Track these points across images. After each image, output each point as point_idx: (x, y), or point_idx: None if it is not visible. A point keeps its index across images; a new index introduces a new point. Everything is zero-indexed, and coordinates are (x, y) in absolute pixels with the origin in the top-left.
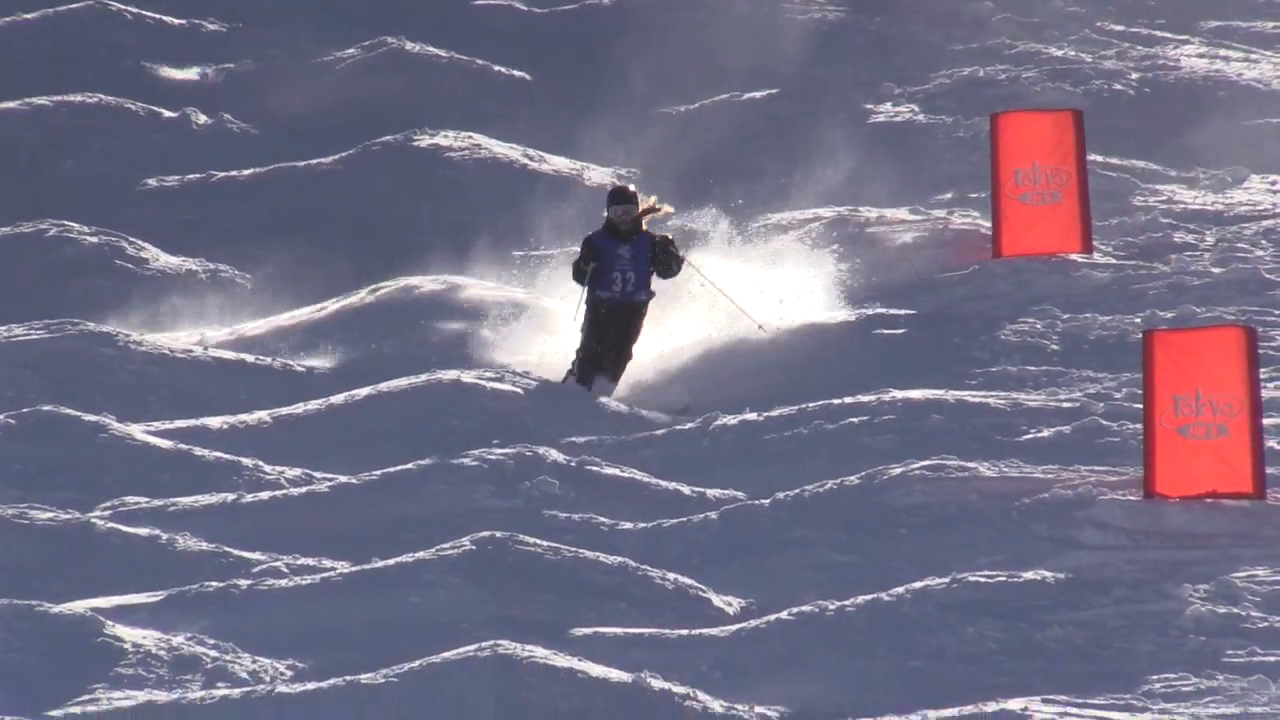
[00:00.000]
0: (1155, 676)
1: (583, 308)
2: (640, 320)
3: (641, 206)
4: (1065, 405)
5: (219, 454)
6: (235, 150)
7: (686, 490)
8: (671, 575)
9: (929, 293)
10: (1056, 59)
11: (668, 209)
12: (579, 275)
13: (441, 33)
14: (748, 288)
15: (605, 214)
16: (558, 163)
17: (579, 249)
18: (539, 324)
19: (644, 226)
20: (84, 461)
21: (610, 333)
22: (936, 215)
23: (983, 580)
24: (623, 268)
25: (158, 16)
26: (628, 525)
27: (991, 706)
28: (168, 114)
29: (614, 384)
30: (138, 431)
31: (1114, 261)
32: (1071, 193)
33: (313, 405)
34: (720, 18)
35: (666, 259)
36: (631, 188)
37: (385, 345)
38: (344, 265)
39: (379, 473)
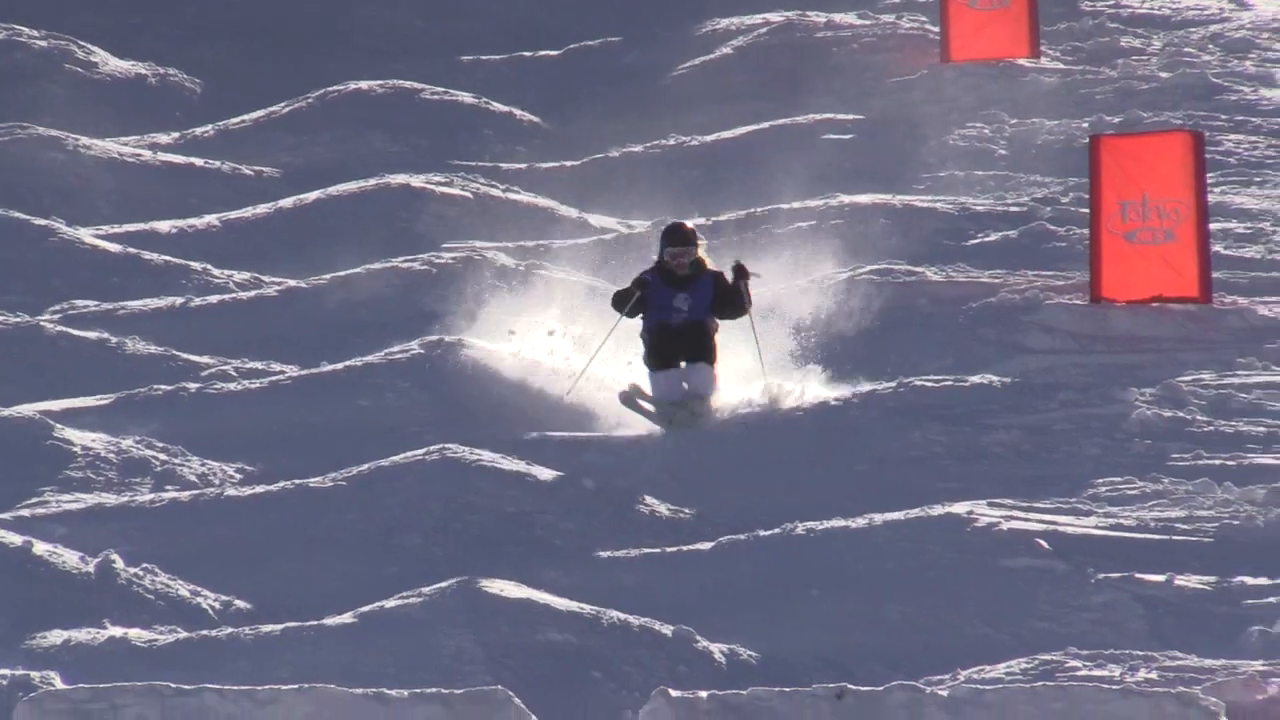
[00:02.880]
0: (1101, 480)
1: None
2: (710, 338)
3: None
4: (1012, 210)
5: (168, 258)
6: None
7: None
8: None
9: (877, 97)
10: None
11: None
12: (620, 302)
13: None
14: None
15: (658, 256)
16: None
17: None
18: (486, 128)
19: (706, 265)
20: (33, 265)
21: (683, 341)
22: (885, 20)
23: (929, 385)
24: (679, 319)
25: None
26: (575, 328)
27: (937, 510)
28: None
29: (710, 369)
30: (87, 235)
31: (1061, 66)
32: None
33: (261, 209)
34: None
35: (733, 300)
36: (690, 224)
37: (334, 149)
38: (293, 69)
39: (328, 276)
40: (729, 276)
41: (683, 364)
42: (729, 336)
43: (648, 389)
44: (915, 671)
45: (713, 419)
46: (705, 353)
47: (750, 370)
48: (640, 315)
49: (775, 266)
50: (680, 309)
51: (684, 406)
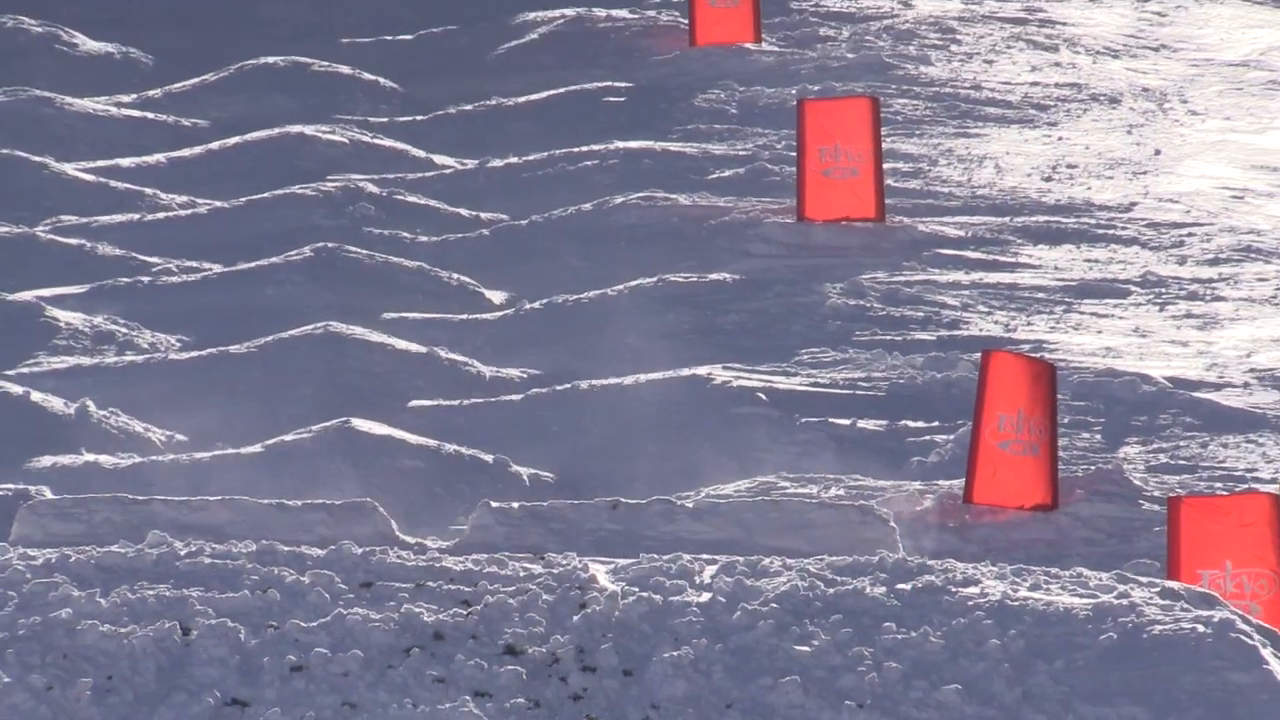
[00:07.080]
0: (804, 350)
1: None
2: None
3: None
4: (741, 153)
5: (128, 185)
6: None
7: (466, 214)
8: (456, 275)
9: (643, 71)
10: None
11: None
12: None
13: None
14: None
15: None
16: None
17: None
18: (359, 91)
19: None
20: (31, 190)
21: None
22: (649, 14)
23: (680, 280)
24: None
25: None
26: (424, 239)
27: (686, 372)
28: None
29: None
30: (69, 169)
31: (777, 49)
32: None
33: (196, 150)
34: None
35: None
36: None
37: (249, 107)
38: (219, 49)
39: (244, 199)
40: None
41: None
42: None
43: None
44: (669, 489)
45: None
46: None
47: None
48: None
49: (566, 194)
50: None
51: None
